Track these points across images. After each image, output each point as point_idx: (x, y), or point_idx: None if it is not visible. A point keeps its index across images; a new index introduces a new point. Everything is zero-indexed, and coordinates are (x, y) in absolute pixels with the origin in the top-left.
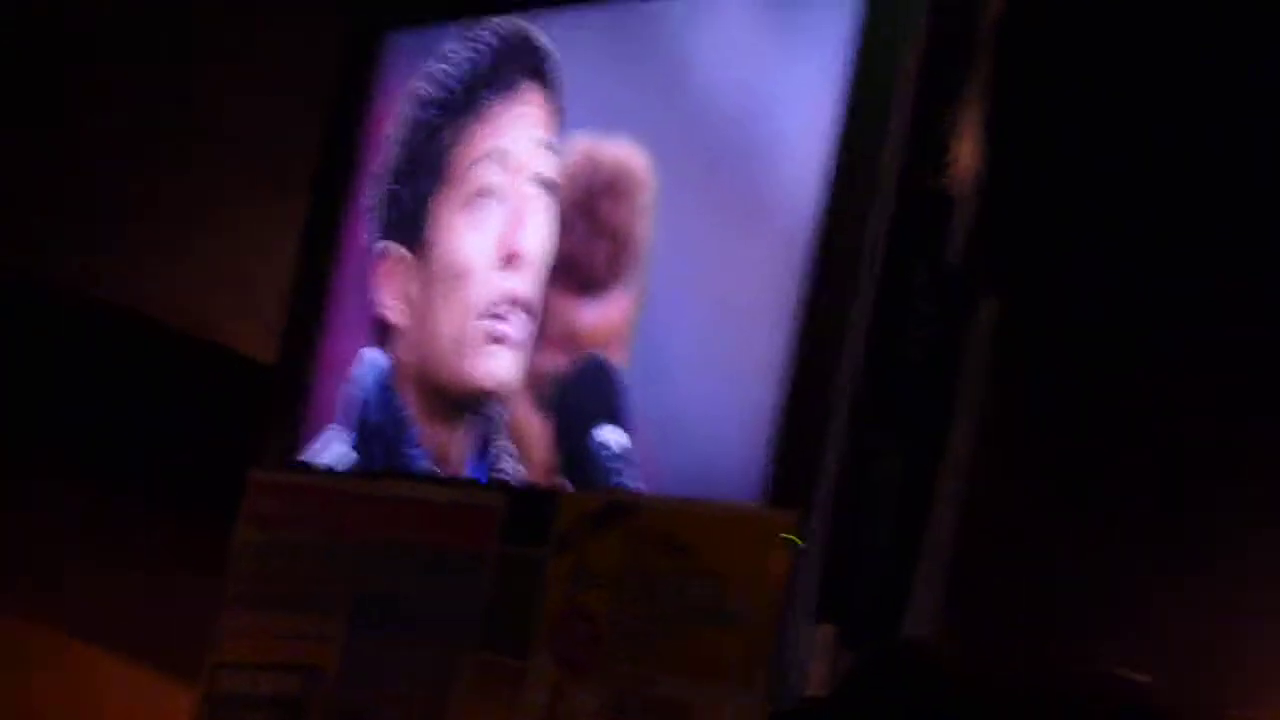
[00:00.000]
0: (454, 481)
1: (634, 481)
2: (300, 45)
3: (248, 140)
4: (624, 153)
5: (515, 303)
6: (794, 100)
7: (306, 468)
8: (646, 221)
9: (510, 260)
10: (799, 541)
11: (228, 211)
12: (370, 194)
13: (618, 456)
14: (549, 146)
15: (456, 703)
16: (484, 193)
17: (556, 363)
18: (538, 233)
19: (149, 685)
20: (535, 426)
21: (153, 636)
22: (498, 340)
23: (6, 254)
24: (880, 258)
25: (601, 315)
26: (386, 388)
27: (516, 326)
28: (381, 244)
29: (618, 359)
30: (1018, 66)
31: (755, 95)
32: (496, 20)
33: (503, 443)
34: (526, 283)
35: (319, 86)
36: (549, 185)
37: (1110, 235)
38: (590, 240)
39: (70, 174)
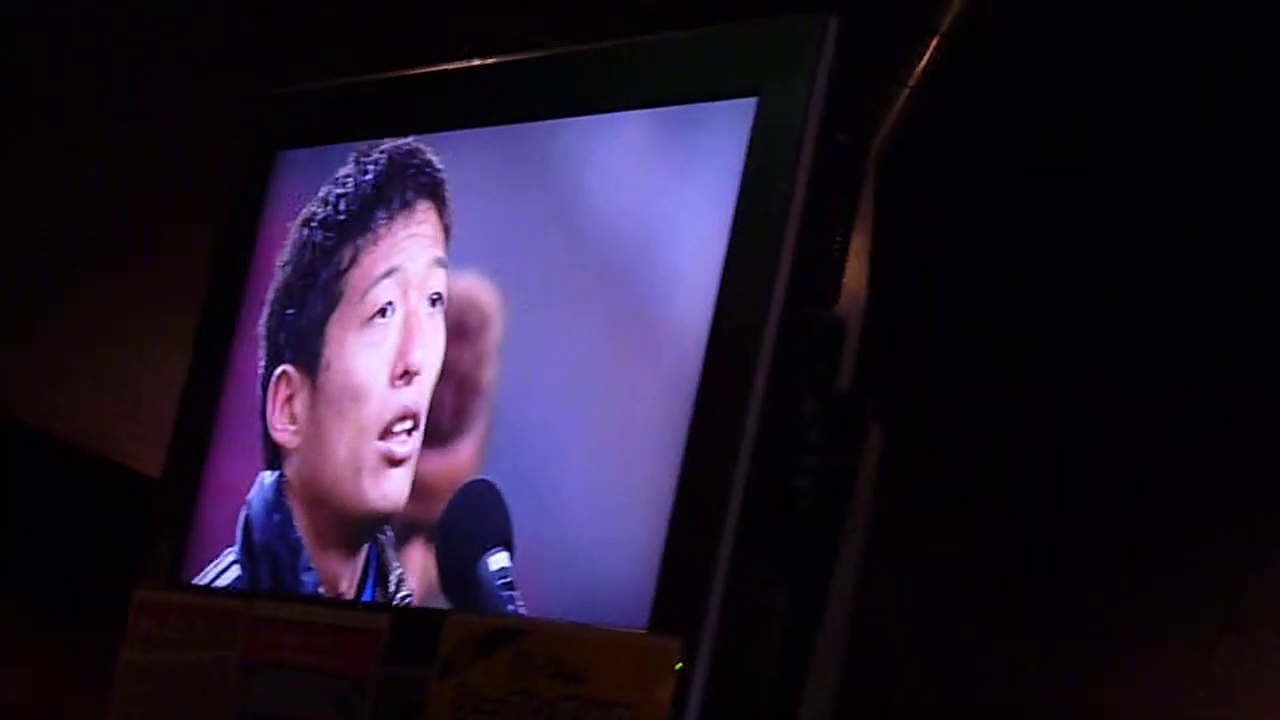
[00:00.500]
0: (338, 603)
1: (519, 605)
2: (197, 157)
3: (142, 252)
4: (470, 287)
5: (410, 418)
6: (685, 226)
7: (192, 587)
8: (493, 366)
9: (406, 376)
10: (685, 668)
11: (119, 324)
12: (261, 317)
13: (509, 584)
14: (441, 263)
15: None
16: (380, 312)
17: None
18: (431, 348)
19: None
20: (419, 548)
21: None
22: (395, 463)
23: None
24: (769, 386)
25: (448, 464)
26: (276, 508)
27: (411, 445)
28: (275, 367)
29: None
30: (903, 193)
31: (646, 220)
32: (389, 142)
33: (398, 566)
34: (420, 397)
35: (215, 200)
36: (440, 300)
37: (997, 358)
38: (439, 388)
39: None
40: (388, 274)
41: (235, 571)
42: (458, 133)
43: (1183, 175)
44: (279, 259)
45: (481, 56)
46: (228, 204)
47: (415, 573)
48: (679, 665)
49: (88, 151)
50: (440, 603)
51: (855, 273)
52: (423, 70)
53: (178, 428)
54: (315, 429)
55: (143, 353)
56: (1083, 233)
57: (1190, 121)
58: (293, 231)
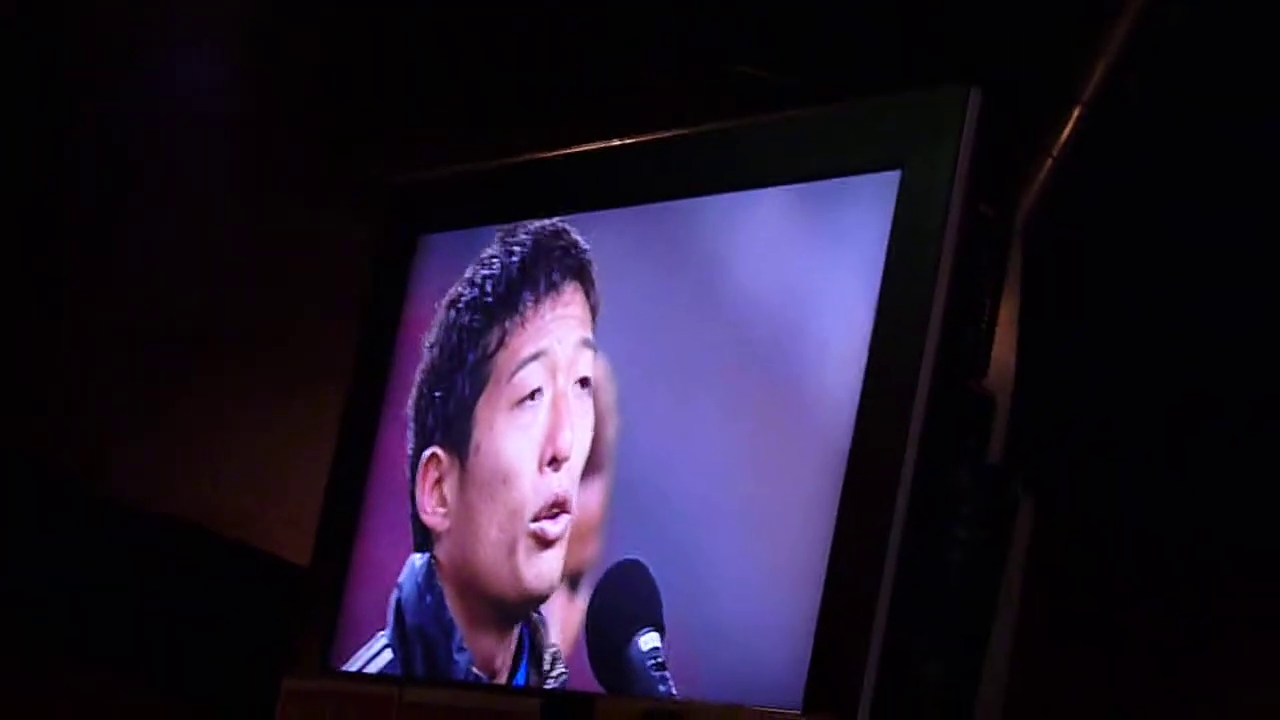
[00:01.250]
0: (488, 688)
1: (671, 687)
2: (336, 244)
3: (278, 341)
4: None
5: (560, 505)
6: (831, 301)
7: (342, 674)
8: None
9: (555, 462)
10: None
11: (256, 413)
12: (408, 400)
13: (661, 664)
14: (589, 345)
15: None
16: (530, 395)
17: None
18: (579, 433)
19: None
20: (574, 629)
21: None
22: (547, 544)
23: (46, 453)
24: (920, 459)
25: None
26: (428, 590)
27: (562, 527)
28: (424, 449)
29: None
30: (1050, 264)
31: (792, 295)
32: (535, 222)
33: (553, 645)
34: (568, 483)
35: (354, 287)
36: (588, 383)
37: (1146, 430)
38: None
39: (110, 376)
40: (535, 357)
41: (388, 655)
42: (601, 213)
43: None
44: (426, 340)
45: (621, 136)
46: (370, 288)
47: (566, 651)
48: None
49: (223, 240)
50: (590, 683)
51: (1004, 344)
52: (562, 152)
53: (325, 512)
54: (466, 511)
55: (282, 441)
56: (1229, 299)
57: None
58: (439, 313)
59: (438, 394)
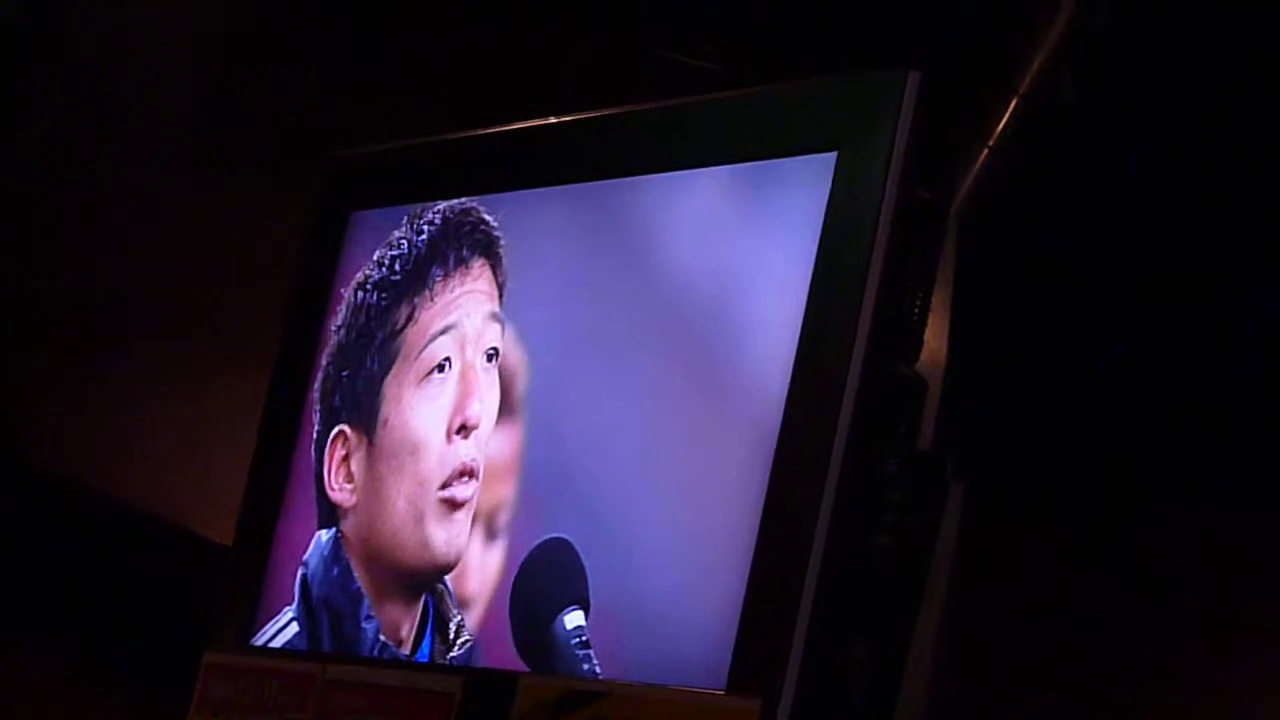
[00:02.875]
0: (410, 665)
1: (595, 665)
2: (268, 221)
3: (207, 319)
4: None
5: (468, 472)
6: (763, 283)
7: (261, 650)
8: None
9: (464, 430)
10: None
11: (188, 390)
12: (315, 383)
13: (585, 643)
14: (497, 318)
15: None
16: (438, 368)
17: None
18: (488, 403)
19: None
20: (489, 590)
21: None
22: (455, 507)
23: None
24: (849, 444)
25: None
26: (335, 562)
27: (470, 491)
28: (331, 428)
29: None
30: (984, 252)
31: (722, 277)
32: (442, 203)
33: (457, 614)
34: (476, 452)
35: (285, 263)
36: (496, 355)
37: (1082, 415)
38: None
39: (33, 346)
40: (445, 330)
41: (294, 629)
42: (518, 193)
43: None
44: (333, 324)
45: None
46: (299, 265)
47: (478, 618)
48: None
49: (150, 215)
50: (508, 658)
51: (936, 331)
52: (498, 129)
53: (248, 490)
54: (373, 485)
55: (207, 418)
56: (1167, 292)
57: None
58: (347, 295)
59: (345, 373)
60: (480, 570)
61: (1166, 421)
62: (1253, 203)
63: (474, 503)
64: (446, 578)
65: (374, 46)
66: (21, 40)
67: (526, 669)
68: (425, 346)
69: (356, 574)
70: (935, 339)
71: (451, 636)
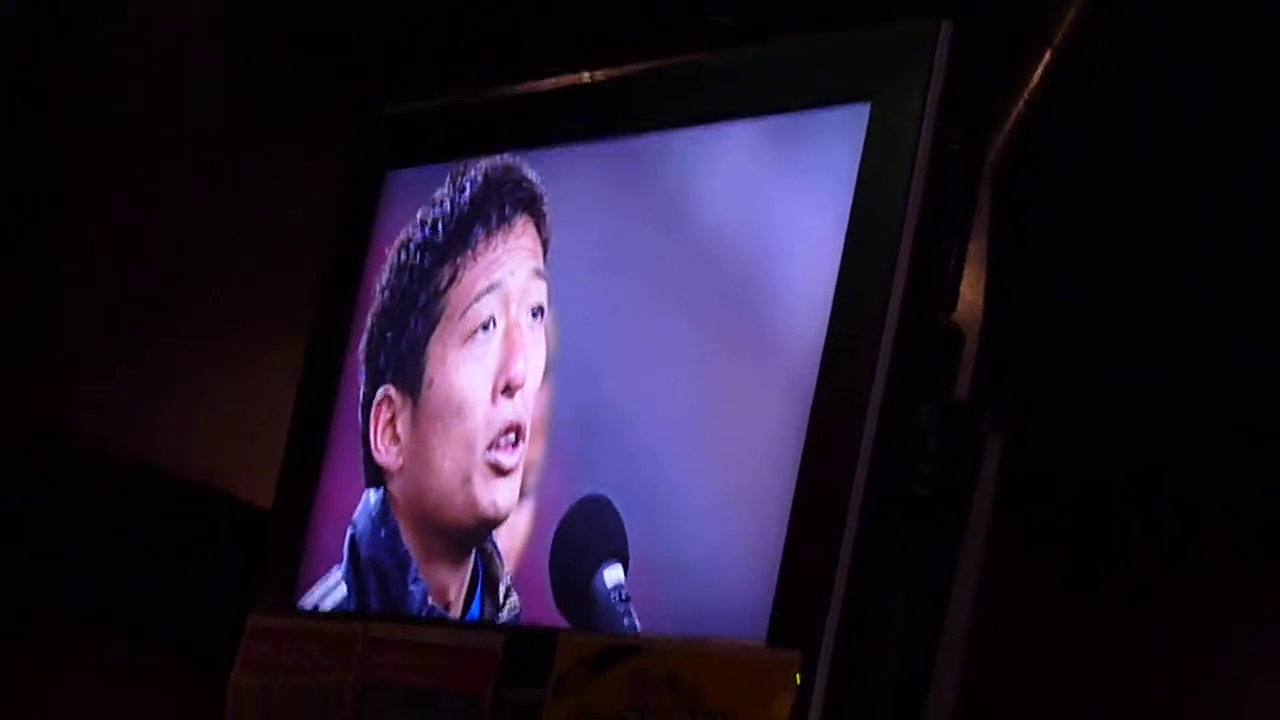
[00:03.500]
0: (452, 624)
1: (635, 620)
2: (305, 187)
3: (247, 284)
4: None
5: (514, 430)
6: (797, 235)
7: (305, 611)
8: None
9: (509, 390)
10: (804, 682)
11: (230, 355)
12: (360, 343)
13: (625, 598)
14: (541, 275)
15: None
16: (483, 327)
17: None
18: (533, 362)
19: None
20: (521, 545)
21: None
22: (502, 472)
23: (10, 398)
24: (886, 395)
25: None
26: (383, 524)
27: (518, 455)
28: (376, 390)
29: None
30: (1020, 201)
31: (757, 230)
32: (484, 160)
33: (507, 572)
34: (523, 410)
35: (323, 229)
36: (541, 313)
37: (1116, 367)
38: None
39: (73, 318)
40: (489, 289)
41: (342, 590)
42: (557, 149)
43: None
44: (377, 284)
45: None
46: (337, 226)
47: (524, 579)
48: (798, 678)
49: (189, 185)
50: (551, 615)
51: (971, 282)
52: (532, 86)
53: (288, 452)
54: (418, 446)
55: (249, 385)
56: (1204, 242)
57: None
58: (390, 255)
59: (389, 334)
60: (519, 529)
61: (1205, 374)
62: None
63: (521, 463)
64: (495, 537)
65: (407, 4)
66: (50, 10)
67: (566, 625)
68: (469, 306)
69: (404, 536)
70: (971, 291)
71: (501, 598)
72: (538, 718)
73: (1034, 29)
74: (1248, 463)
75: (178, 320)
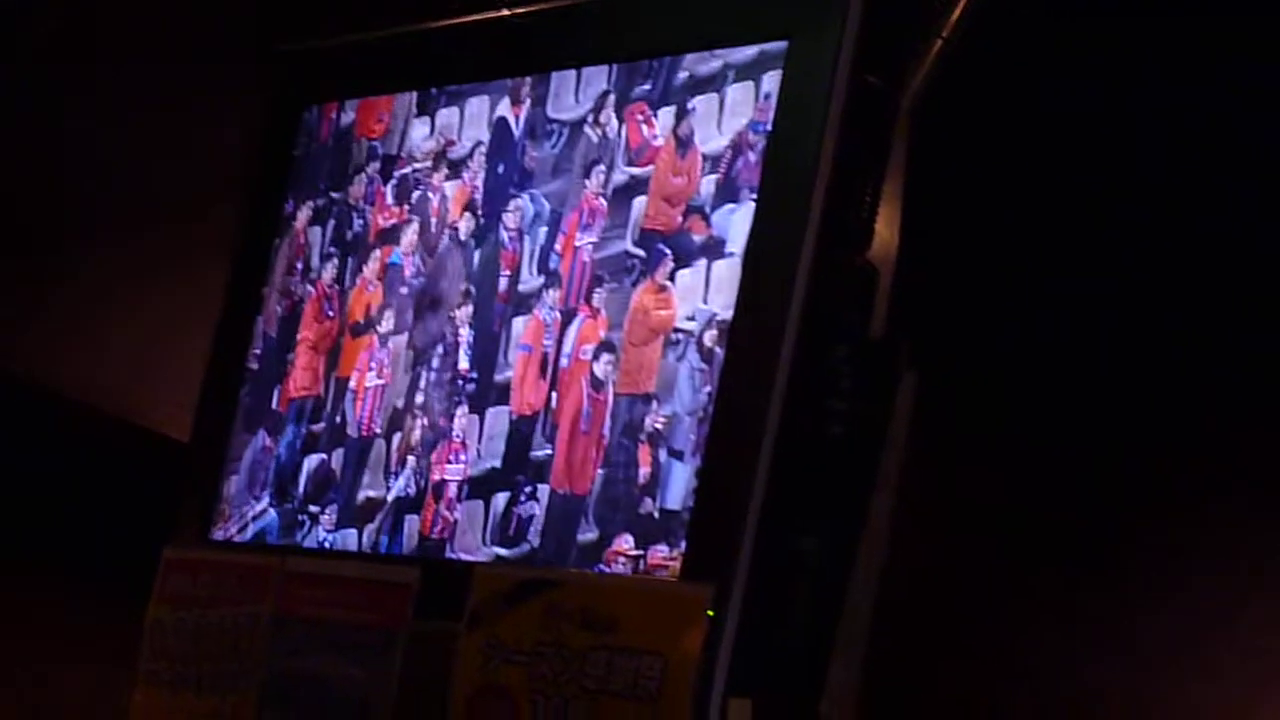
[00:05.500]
0: (367, 556)
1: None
2: (222, 125)
3: (164, 220)
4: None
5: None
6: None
7: (220, 544)
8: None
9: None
10: (716, 615)
11: (146, 290)
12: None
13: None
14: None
15: None
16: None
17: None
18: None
19: None
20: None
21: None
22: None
23: None
24: (801, 332)
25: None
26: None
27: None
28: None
29: None
30: (935, 143)
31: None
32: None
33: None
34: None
35: (242, 162)
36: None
37: (1031, 304)
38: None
39: None
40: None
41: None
42: (471, 86)
43: (1240, 121)
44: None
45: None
46: (255, 160)
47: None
48: (710, 613)
49: (106, 115)
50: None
51: (887, 220)
52: (450, 22)
53: (205, 387)
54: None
55: (166, 318)
56: (1121, 180)
57: (1249, 70)
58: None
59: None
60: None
61: (1121, 309)
62: (1211, 93)
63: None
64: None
65: None
66: None
67: (487, 559)
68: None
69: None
70: (887, 229)
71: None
72: (452, 650)
73: None
74: (1162, 396)
75: (93, 254)
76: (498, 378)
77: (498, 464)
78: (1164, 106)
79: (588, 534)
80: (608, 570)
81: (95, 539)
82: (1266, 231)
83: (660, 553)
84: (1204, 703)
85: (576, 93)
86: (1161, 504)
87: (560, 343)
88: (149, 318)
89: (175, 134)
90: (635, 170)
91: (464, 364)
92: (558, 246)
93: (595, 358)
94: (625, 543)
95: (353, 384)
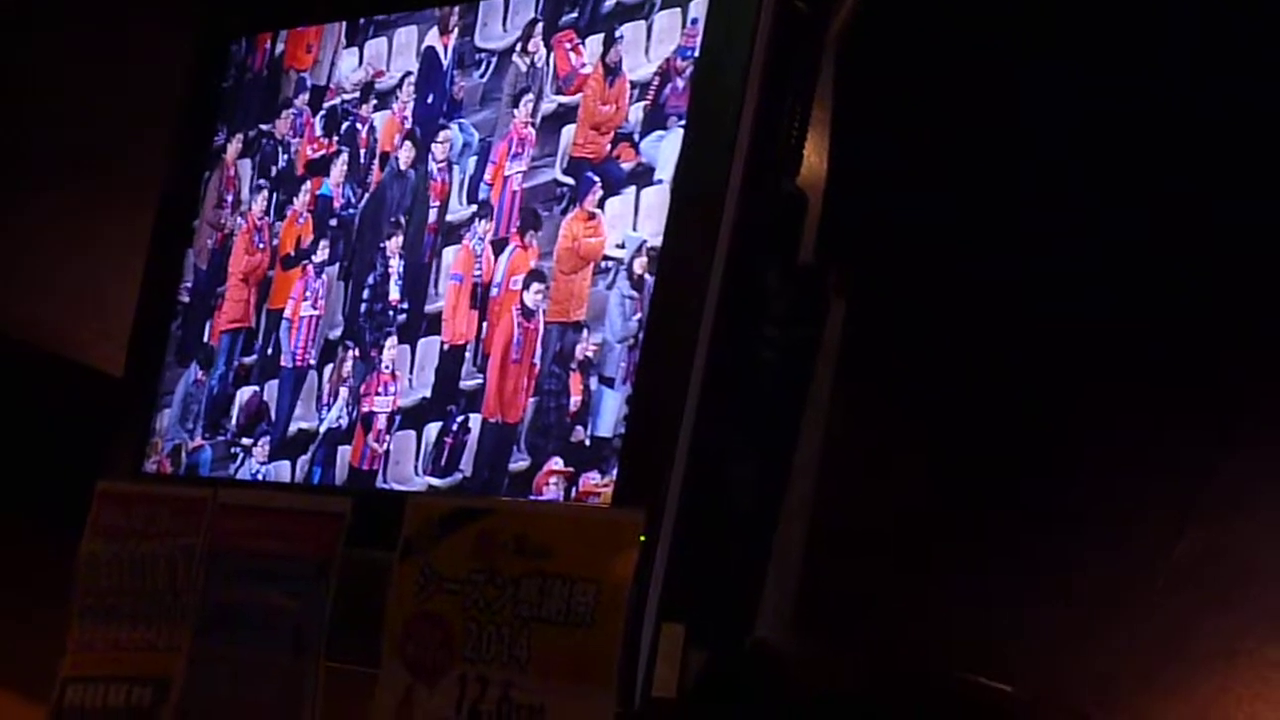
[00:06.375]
0: (300, 488)
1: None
2: (156, 59)
3: (102, 157)
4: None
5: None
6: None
7: (153, 477)
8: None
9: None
10: (648, 541)
11: (79, 227)
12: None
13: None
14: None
15: (308, 712)
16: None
17: None
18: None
19: None
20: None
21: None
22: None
23: None
24: (729, 257)
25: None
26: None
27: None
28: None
29: None
30: (864, 69)
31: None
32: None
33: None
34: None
35: (173, 96)
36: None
37: (962, 232)
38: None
39: None
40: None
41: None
42: (398, 15)
43: (1173, 64)
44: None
45: None
46: (182, 96)
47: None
48: (642, 538)
49: (38, 56)
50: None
51: (815, 146)
52: None
53: (136, 322)
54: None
55: (99, 255)
56: (1054, 113)
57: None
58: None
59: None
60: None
61: (1048, 235)
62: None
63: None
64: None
65: None
66: None
67: (420, 488)
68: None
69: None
70: (815, 155)
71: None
72: (385, 580)
73: None
74: (1102, 329)
75: (23, 192)
76: (428, 308)
77: (429, 394)
78: (1096, 41)
79: (520, 462)
80: (540, 497)
81: (31, 472)
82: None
83: (592, 480)
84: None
85: (505, 21)
86: (1101, 457)
87: (491, 272)
88: (87, 258)
89: (113, 71)
90: (564, 99)
91: (395, 295)
92: (487, 176)
93: (525, 287)
94: (556, 464)
95: (288, 313)
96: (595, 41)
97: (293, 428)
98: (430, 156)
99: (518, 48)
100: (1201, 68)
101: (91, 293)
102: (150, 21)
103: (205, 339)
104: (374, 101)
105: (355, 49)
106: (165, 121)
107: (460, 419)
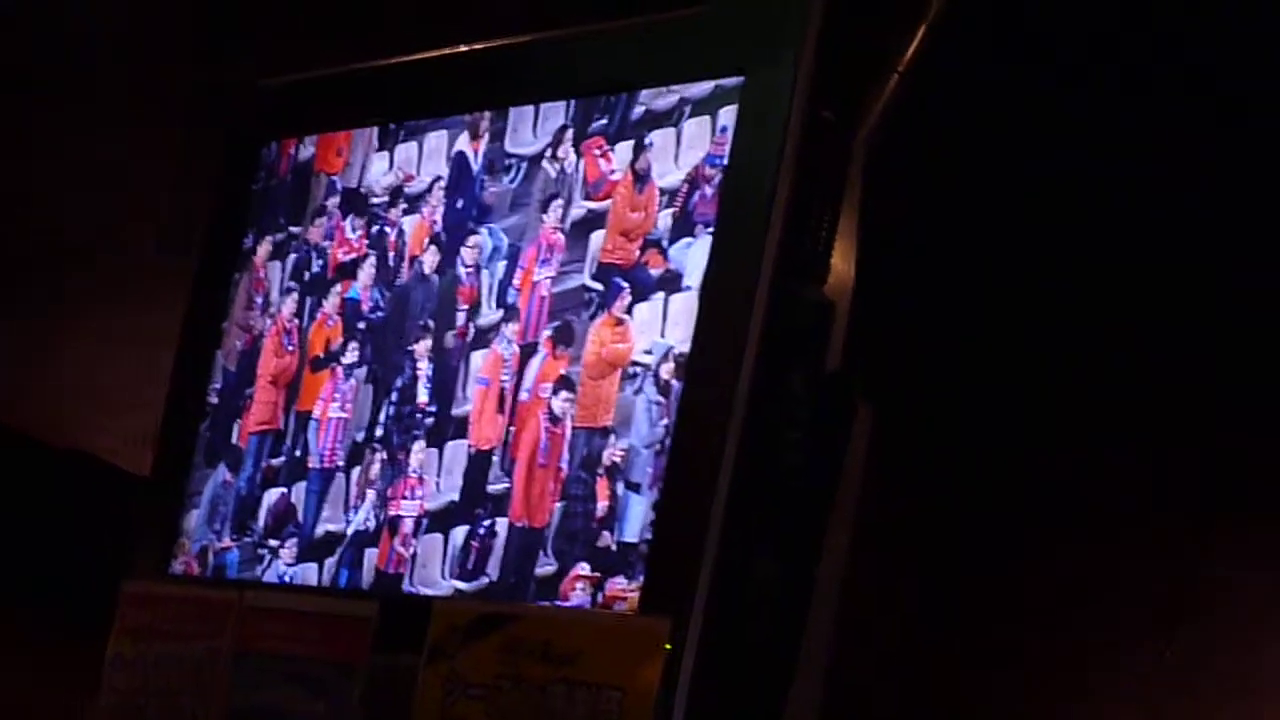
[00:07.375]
0: (327, 591)
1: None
2: (160, 157)
3: (106, 251)
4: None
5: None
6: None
7: (180, 578)
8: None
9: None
10: (674, 648)
11: (92, 320)
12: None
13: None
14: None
15: None
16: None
17: None
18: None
19: None
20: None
21: None
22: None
23: None
24: (758, 363)
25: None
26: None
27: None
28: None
29: None
30: (891, 178)
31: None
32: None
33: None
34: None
35: (182, 198)
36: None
37: (985, 342)
38: None
39: None
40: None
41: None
42: (432, 121)
43: (1184, 166)
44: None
45: (469, 43)
46: (217, 195)
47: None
48: (668, 646)
49: (57, 146)
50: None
51: (843, 253)
52: (410, 57)
53: (166, 422)
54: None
55: (112, 347)
56: (1073, 222)
57: (1196, 114)
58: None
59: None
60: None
61: (1077, 343)
62: (1172, 110)
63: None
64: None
65: None
66: None
67: (446, 592)
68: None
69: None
70: (843, 262)
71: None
72: (412, 684)
73: (908, 3)
74: (1118, 434)
75: (39, 284)
76: (456, 411)
77: (456, 498)
78: (1119, 138)
79: (546, 567)
80: (566, 603)
81: (55, 574)
82: (1196, 274)
83: (619, 585)
84: None
85: (535, 127)
86: (1117, 537)
87: (520, 377)
88: (95, 346)
89: (114, 170)
90: (593, 204)
91: (423, 398)
92: (516, 281)
93: (554, 394)
94: (582, 569)
95: (316, 414)
96: (625, 148)
97: (320, 530)
98: (459, 261)
99: (548, 153)
100: (1205, 151)
101: (103, 384)
102: (157, 120)
103: (233, 440)
104: (403, 205)
105: (386, 153)
106: (182, 214)
107: (487, 523)
